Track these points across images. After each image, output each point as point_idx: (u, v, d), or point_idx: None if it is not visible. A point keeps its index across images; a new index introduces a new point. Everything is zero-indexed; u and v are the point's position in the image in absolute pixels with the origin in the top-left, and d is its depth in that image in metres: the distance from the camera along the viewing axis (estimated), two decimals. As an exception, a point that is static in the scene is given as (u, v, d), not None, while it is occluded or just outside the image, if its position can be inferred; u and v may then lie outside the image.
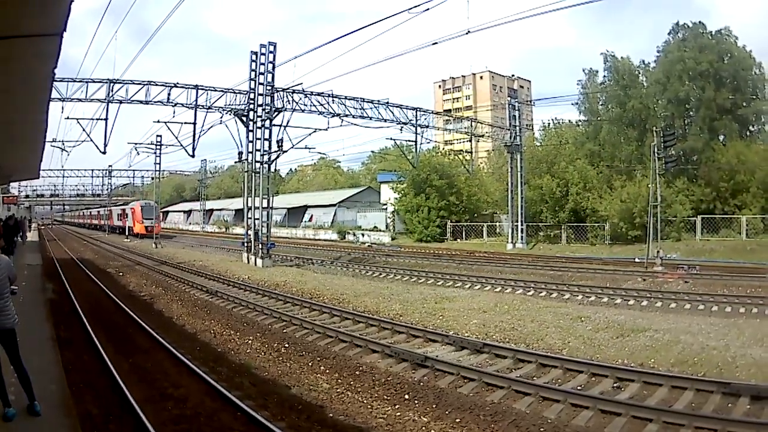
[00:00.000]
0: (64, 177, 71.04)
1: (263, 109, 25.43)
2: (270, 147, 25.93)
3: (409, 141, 32.51)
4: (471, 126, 37.96)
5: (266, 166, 26.18)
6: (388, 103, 29.85)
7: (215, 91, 25.91)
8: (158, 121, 27.56)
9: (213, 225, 72.93)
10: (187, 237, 54.53)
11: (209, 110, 25.99)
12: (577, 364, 8.63)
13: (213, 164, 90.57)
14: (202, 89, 25.47)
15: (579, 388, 7.77)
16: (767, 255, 23.60)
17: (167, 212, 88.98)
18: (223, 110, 26.24)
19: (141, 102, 24.39)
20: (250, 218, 26.27)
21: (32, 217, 75.02)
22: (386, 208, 48.73)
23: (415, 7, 14.64)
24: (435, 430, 6.62)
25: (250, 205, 26.38)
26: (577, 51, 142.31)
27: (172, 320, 13.33)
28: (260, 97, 25.32)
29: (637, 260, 24.34)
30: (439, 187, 41.03)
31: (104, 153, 25.83)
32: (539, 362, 8.85)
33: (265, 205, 25.93)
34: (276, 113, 25.92)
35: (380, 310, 13.68)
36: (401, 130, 30.75)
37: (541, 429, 6.45)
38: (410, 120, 30.73)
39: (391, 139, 33.03)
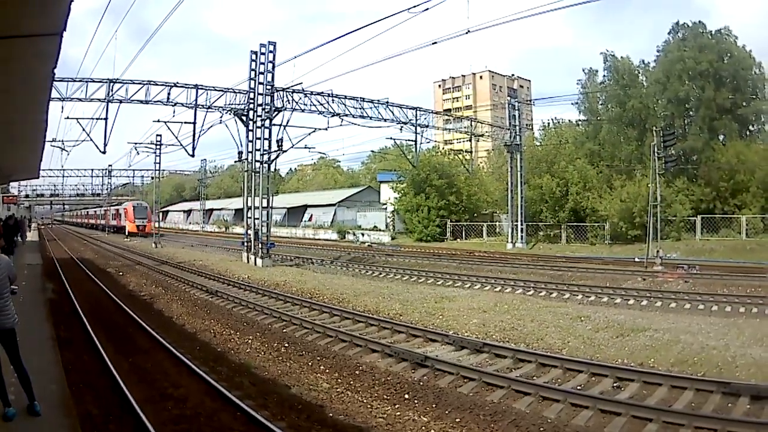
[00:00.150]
0: (64, 177, 71.15)
1: (263, 109, 25.43)
2: (270, 147, 25.94)
3: (408, 140, 32.58)
4: (471, 126, 37.98)
5: (266, 165, 26.18)
6: (387, 102, 29.86)
7: (215, 90, 25.93)
8: (158, 121, 27.62)
9: (213, 225, 72.94)
10: (188, 237, 54.51)
11: (209, 110, 26.01)
12: (577, 363, 8.63)
13: (213, 164, 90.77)
14: (202, 89, 25.48)
15: (579, 387, 7.78)
16: (767, 254, 23.61)
17: (167, 212, 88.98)
18: (223, 110, 26.25)
19: (141, 102, 24.39)
20: (250, 218, 26.27)
21: (32, 216, 74.98)
22: (386, 208, 48.73)
23: (415, 6, 14.65)
24: (435, 429, 6.62)
25: (249, 204, 26.38)
26: (577, 51, 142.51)
27: (172, 320, 13.33)
28: (260, 97, 25.31)
29: (636, 260, 24.33)
30: (438, 187, 41.03)
31: (104, 153, 25.86)
32: (539, 362, 8.85)
33: (264, 204, 25.93)
34: (276, 113, 25.92)
35: (380, 310, 13.68)
36: (401, 129, 30.78)
37: (541, 429, 6.45)
38: (410, 119, 30.74)
39: (391, 138, 33.15)
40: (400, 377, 8.51)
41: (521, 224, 35.21)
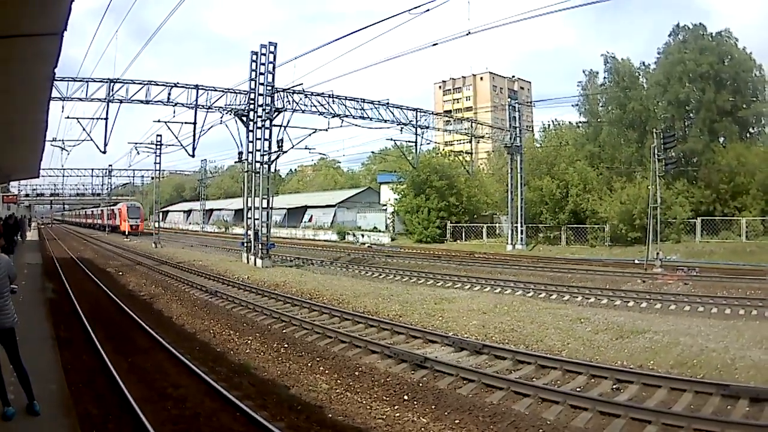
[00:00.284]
0: (64, 176, 71.06)
1: (263, 110, 25.44)
2: (270, 147, 25.94)
3: (409, 142, 32.55)
4: (471, 127, 37.96)
5: (266, 166, 26.18)
6: (388, 103, 29.85)
7: (215, 91, 25.92)
8: (158, 121, 27.58)
9: (213, 225, 72.97)
10: (188, 237, 54.53)
11: (209, 110, 26.00)
12: (577, 365, 8.63)
13: (213, 164, 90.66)
14: (203, 89, 25.48)
15: (578, 389, 7.78)
16: (767, 257, 23.60)
17: (167, 212, 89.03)
18: (224, 110, 26.25)
19: (141, 102, 24.39)
20: (250, 218, 26.27)
21: (32, 216, 74.99)
22: (386, 209, 48.74)
23: (416, 7, 14.64)
24: (434, 430, 6.62)
25: (249, 205, 26.39)
26: (578, 52, 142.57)
27: (172, 320, 13.33)
28: (260, 98, 25.33)
29: (636, 262, 24.35)
30: (439, 188, 41.05)
31: (104, 152, 25.84)
32: (539, 363, 8.85)
33: (264, 205, 25.94)
34: (276, 113, 25.93)
35: (380, 311, 13.68)
36: (401, 130, 30.77)
37: (541, 430, 6.46)
38: (410, 121, 30.74)
39: (391, 139, 33.06)
40: (399, 378, 8.51)
41: (521, 226, 35.22)
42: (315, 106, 27.23)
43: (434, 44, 18.75)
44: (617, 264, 25.16)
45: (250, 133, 25.84)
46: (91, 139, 24.27)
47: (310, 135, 28.22)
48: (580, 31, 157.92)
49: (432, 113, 34.71)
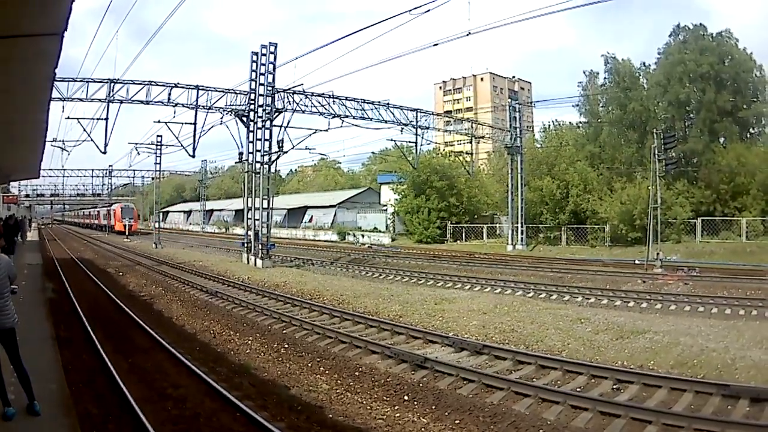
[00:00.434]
0: (64, 177, 71.05)
1: (264, 110, 25.45)
2: (270, 147, 25.95)
3: (409, 142, 32.57)
4: (471, 127, 37.97)
5: (266, 166, 26.18)
6: (388, 104, 29.87)
7: (216, 91, 25.95)
8: (159, 121, 27.60)
9: (213, 225, 73.01)
10: (188, 237, 54.56)
11: (210, 110, 26.02)
12: (577, 365, 8.63)
13: (213, 164, 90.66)
14: (203, 89, 25.50)
15: (578, 389, 7.77)
16: (767, 257, 23.60)
17: (167, 212, 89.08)
18: (224, 111, 26.27)
19: (141, 102, 24.41)
20: (250, 219, 26.28)
21: (32, 216, 75.02)
22: (386, 209, 48.74)
23: (417, 8, 14.69)
24: (434, 431, 6.62)
25: (250, 205, 26.39)
26: (578, 53, 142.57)
27: (172, 320, 13.33)
28: (261, 98, 25.33)
29: (637, 262, 24.33)
30: (439, 189, 41.06)
31: (105, 153, 25.82)
32: (539, 364, 8.85)
33: (265, 205, 25.94)
34: (276, 114, 25.95)
35: (380, 311, 13.67)
36: (402, 131, 30.78)
37: (541, 430, 6.45)
38: (410, 121, 30.75)
39: (391, 140, 33.06)
40: (399, 378, 8.50)
41: (521, 226, 35.23)
42: (315, 107, 27.24)
43: (434, 44, 18.82)
44: (617, 264, 25.16)
45: (251, 134, 25.85)
46: (92, 140, 24.29)
47: (310, 135, 28.31)
48: (580, 32, 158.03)
49: (432, 113, 34.71)
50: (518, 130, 36.48)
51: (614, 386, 7.85)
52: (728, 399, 7.00)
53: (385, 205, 49.55)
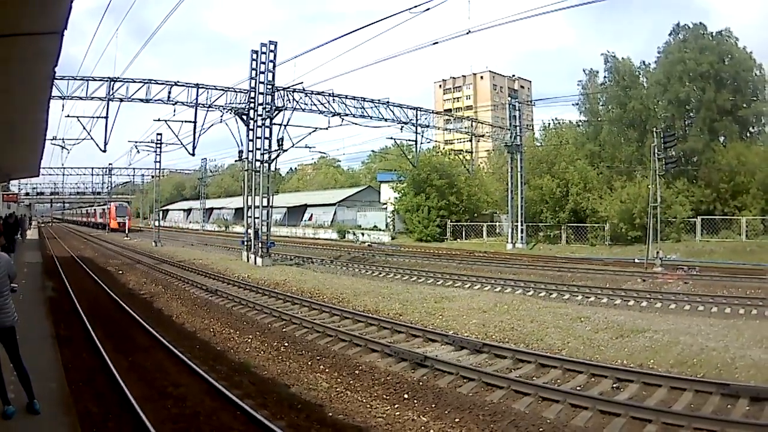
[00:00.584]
0: (64, 175, 70.91)
1: (264, 108, 25.42)
2: (270, 146, 25.94)
3: (409, 140, 32.59)
4: (471, 126, 37.99)
5: (266, 164, 26.18)
6: (388, 102, 29.86)
7: (216, 89, 25.92)
8: (159, 120, 27.61)
9: (213, 224, 72.98)
10: (188, 235, 54.55)
11: (209, 109, 26.01)
12: (577, 364, 8.63)
13: (213, 163, 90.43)
14: (203, 88, 25.48)
15: (578, 388, 7.78)
16: (767, 256, 23.60)
17: (167, 211, 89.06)
18: (224, 109, 26.25)
19: (141, 100, 24.40)
20: (250, 217, 26.27)
21: (32, 215, 74.99)
22: (386, 208, 48.73)
23: (416, 6, 14.64)
24: (434, 429, 6.62)
25: (250, 203, 26.38)
26: (578, 52, 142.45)
27: (172, 318, 13.33)
28: (261, 96, 25.31)
29: (636, 261, 24.34)
30: (439, 187, 41.03)
31: (104, 151, 25.79)
32: (539, 362, 8.86)
33: (265, 203, 25.93)
34: (276, 112, 25.93)
35: (380, 310, 13.68)
36: (401, 129, 30.80)
37: (541, 429, 6.46)
38: (410, 119, 30.74)
39: (391, 138, 33.14)
40: (399, 377, 8.51)
41: (521, 225, 35.22)
42: (315, 105, 27.24)
43: (434, 43, 18.77)
44: (617, 263, 25.16)
45: (251, 132, 25.84)
46: (92, 138, 24.31)
47: (310, 134, 28.35)
48: (580, 31, 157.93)
49: (432, 112, 34.74)
50: (518, 128, 36.45)
51: (614, 385, 7.86)
52: (728, 398, 7.01)
53: (385, 204, 49.52)
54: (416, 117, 31.03)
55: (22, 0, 5.30)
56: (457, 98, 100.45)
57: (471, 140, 37.97)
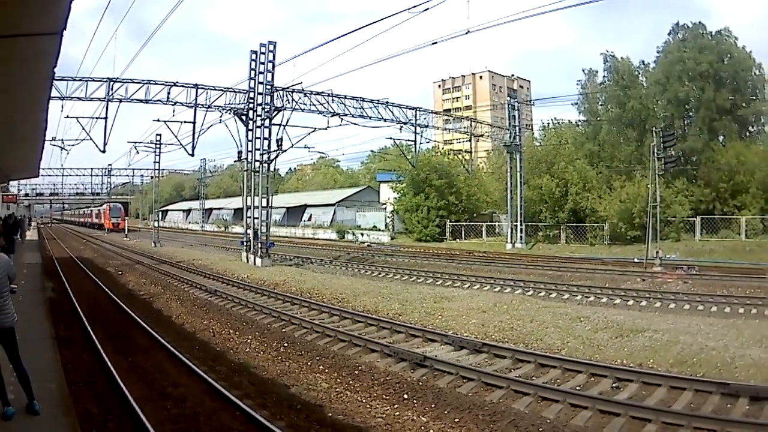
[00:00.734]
0: (63, 176, 70.95)
1: (263, 109, 25.42)
2: (269, 146, 25.94)
3: (408, 140, 32.57)
4: (470, 126, 37.96)
5: (266, 165, 26.17)
6: (387, 102, 29.86)
7: (215, 90, 25.92)
8: (158, 120, 27.59)
9: (212, 224, 72.96)
10: (187, 236, 54.52)
11: (209, 109, 26.01)
12: (576, 364, 8.63)
13: (212, 163, 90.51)
14: (202, 88, 25.47)
15: (578, 388, 7.78)
16: (766, 255, 23.61)
17: (166, 211, 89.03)
18: (223, 109, 26.25)
19: (141, 101, 24.39)
20: (250, 217, 26.27)
21: (32, 215, 74.93)
22: (385, 208, 48.74)
23: (415, 6, 14.64)
24: (434, 429, 6.62)
25: (249, 204, 26.37)
26: (577, 51, 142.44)
27: (171, 319, 13.33)
28: (260, 97, 25.31)
29: (636, 260, 24.35)
30: (438, 187, 41.04)
31: (104, 152, 25.76)
32: (538, 362, 8.86)
33: (264, 204, 25.92)
34: (276, 112, 25.92)
35: (379, 310, 13.68)
36: (401, 129, 30.78)
37: (540, 429, 6.46)
38: (410, 119, 30.74)
39: (390, 138, 33.08)
40: (399, 377, 8.51)
41: (521, 224, 35.24)
42: (314, 105, 27.23)
43: (433, 43, 18.77)
44: (617, 263, 25.17)
45: (250, 132, 25.84)
46: (91, 139, 24.30)
47: (309, 134, 28.33)
48: (579, 30, 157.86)
49: (431, 112, 34.72)
50: (517, 128, 36.47)
51: (614, 385, 7.86)
52: (728, 397, 7.01)
53: (384, 204, 49.52)
54: (415, 117, 31.03)
55: (22, 0, 5.29)
56: (457, 98, 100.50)
57: (470, 140, 37.93)
